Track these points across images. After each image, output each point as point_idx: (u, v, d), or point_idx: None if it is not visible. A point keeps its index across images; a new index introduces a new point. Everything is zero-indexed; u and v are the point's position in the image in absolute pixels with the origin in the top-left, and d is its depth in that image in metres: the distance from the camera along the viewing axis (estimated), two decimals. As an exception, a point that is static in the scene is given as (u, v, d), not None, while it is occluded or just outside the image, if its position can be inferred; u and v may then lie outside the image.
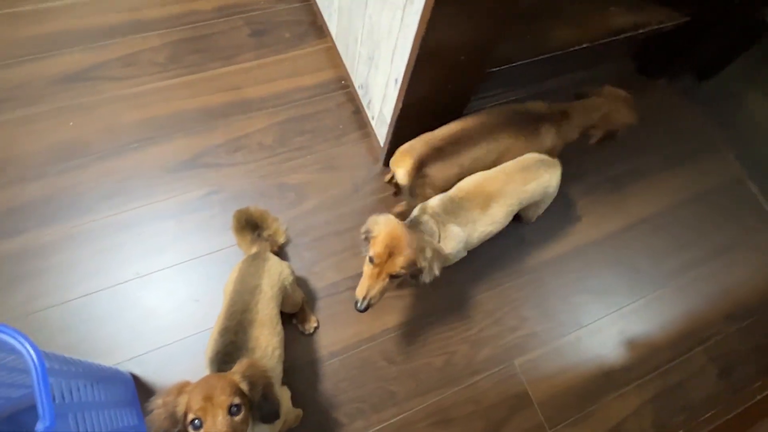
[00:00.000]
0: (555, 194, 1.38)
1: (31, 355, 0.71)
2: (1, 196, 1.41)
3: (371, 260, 1.05)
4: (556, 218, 1.64)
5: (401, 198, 1.55)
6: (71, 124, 1.54)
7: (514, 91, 1.82)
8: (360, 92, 1.62)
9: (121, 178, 1.50)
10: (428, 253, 1.06)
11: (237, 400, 0.77)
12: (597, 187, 1.72)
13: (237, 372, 0.84)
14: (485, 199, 1.23)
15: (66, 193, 1.45)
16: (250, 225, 1.31)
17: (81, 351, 1.28)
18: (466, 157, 1.30)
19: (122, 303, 1.34)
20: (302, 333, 1.35)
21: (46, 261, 1.36)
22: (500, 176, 1.27)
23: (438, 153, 1.28)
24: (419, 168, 1.27)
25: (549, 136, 1.40)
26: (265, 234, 1.33)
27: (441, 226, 1.17)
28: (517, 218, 1.45)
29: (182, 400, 0.78)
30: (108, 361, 1.24)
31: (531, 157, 1.33)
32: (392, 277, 1.05)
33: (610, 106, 1.45)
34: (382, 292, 1.06)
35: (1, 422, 1.15)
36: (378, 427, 1.29)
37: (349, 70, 1.67)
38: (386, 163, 1.61)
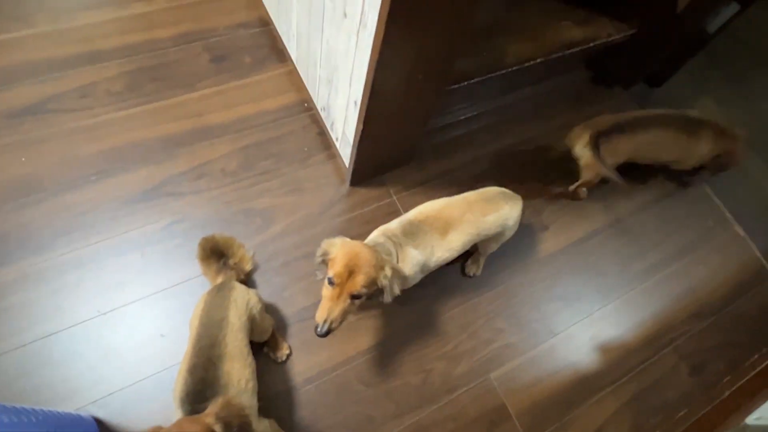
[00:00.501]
0: (514, 230, 1.37)
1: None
2: (-51, 238, 1.34)
3: (330, 282, 1.04)
4: (523, 229, 1.66)
5: (374, 222, 1.55)
6: (23, 159, 1.49)
7: (473, 106, 1.86)
8: (323, 114, 1.63)
9: (80, 212, 1.45)
10: (388, 272, 1.05)
11: None
12: (562, 196, 1.76)
13: (210, 414, 0.81)
14: (444, 225, 1.22)
15: (20, 231, 1.39)
16: (215, 253, 1.28)
17: (39, 397, 1.21)
18: (642, 138, 1.55)
19: (83, 343, 1.28)
20: (275, 361, 1.32)
21: (-1, 303, 1.29)
22: (461, 204, 1.27)
23: (618, 127, 1.53)
24: (597, 138, 1.51)
25: (706, 142, 1.62)
26: (231, 262, 1.31)
27: (399, 248, 1.16)
28: (473, 249, 1.46)
29: None
30: (69, 406, 1.18)
31: (493, 189, 1.35)
32: (353, 297, 1.04)
33: (732, 145, 1.65)
34: (344, 314, 1.04)
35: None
36: (357, 454, 1.26)
37: (311, 93, 1.67)
38: (353, 183, 1.61)
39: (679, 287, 1.68)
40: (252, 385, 1.01)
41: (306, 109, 1.75)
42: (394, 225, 1.22)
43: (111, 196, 1.49)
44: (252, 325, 1.12)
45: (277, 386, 1.31)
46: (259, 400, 1.05)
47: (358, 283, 1.01)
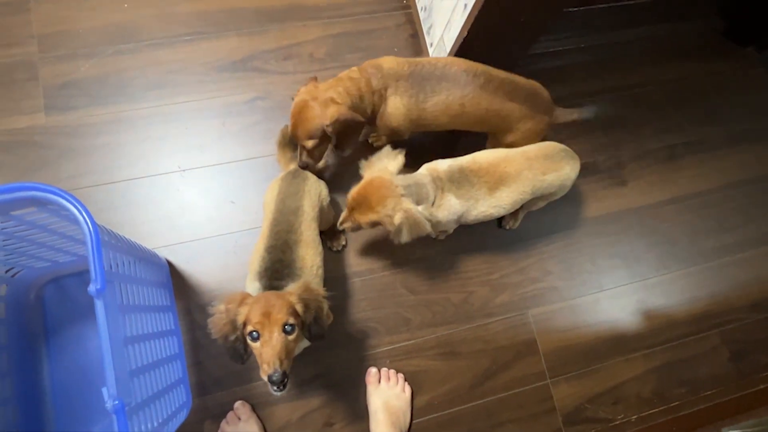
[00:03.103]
0: (566, 191, 1.28)
1: (87, 223, 0.75)
2: (56, 69, 1.42)
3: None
4: (600, 177, 1.59)
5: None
6: (126, 5, 1.51)
7: (581, 37, 1.69)
8: (422, 15, 1.54)
9: (170, 69, 1.49)
10: (397, 219, 1.04)
11: (292, 320, 0.83)
12: (650, 154, 1.65)
13: (294, 293, 0.88)
14: (497, 180, 1.15)
15: (117, 76, 1.45)
16: (293, 143, 1.30)
17: (122, 231, 1.34)
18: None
19: (162, 193, 1.38)
20: (330, 249, 1.39)
21: (93, 140, 1.39)
22: (520, 159, 1.17)
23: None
24: None
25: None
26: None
27: (439, 192, 1.13)
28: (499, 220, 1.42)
29: (243, 311, 0.84)
30: (146, 244, 1.30)
31: (555, 145, 1.23)
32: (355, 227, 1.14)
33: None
34: (355, 227, 1.14)
35: (46, 284, 1.25)
36: (388, 348, 1.36)
37: (414, -11, 1.57)
38: (436, 95, 1.55)
39: (745, 275, 1.60)
40: (321, 272, 1.08)
41: (404, 6, 1.65)
42: (443, 167, 1.16)
43: (200, 60, 1.51)
44: (320, 214, 1.17)
45: (327, 272, 1.38)
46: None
47: (361, 219, 1.10)
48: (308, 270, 1.01)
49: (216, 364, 1.27)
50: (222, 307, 0.87)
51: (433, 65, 1.16)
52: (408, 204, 1.05)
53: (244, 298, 0.87)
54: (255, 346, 0.84)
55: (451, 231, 1.30)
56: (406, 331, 1.38)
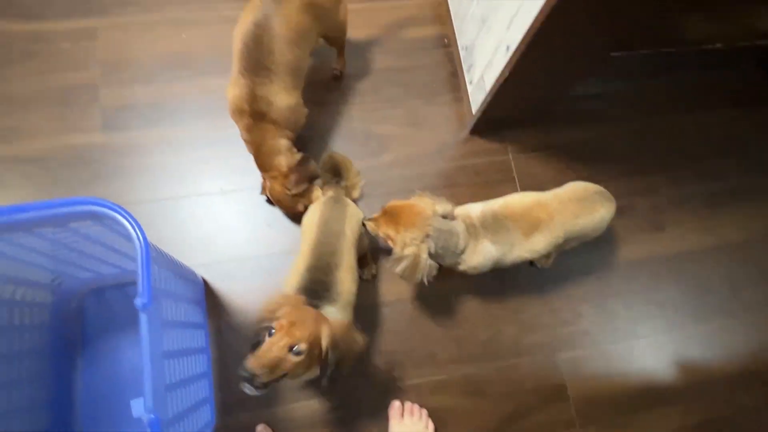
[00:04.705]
0: (601, 232, 1.25)
1: (139, 239, 0.78)
2: (116, 92, 1.52)
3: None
4: (637, 221, 1.56)
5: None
6: (184, 36, 1.62)
7: (622, 79, 1.70)
8: (462, 54, 1.58)
9: (220, 97, 1.55)
10: (406, 251, 1.05)
11: (304, 347, 0.81)
12: (690, 200, 1.61)
13: (329, 326, 0.86)
14: (531, 226, 1.14)
15: (170, 101, 1.54)
16: (333, 170, 1.35)
17: (162, 247, 1.39)
18: None
19: (203, 212, 1.43)
20: (360, 277, 1.39)
21: (143, 160, 1.47)
22: (553, 203, 1.17)
23: None
24: None
25: None
26: (343, 183, 1.37)
27: (473, 240, 1.13)
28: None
29: (280, 311, 0.85)
30: (184, 261, 1.35)
31: (589, 187, 1.22)
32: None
33: None
34: (373, 231, 1.14)
35: (87, 294, 1.30)
36: (413, 382, 1.34)
37: (456, 30, 1.62)
38: (473, 131, 1.58)
39: (792, 332, 1.52)
40: (354, 299, 1.08)
41: (444, 45, 1.70)
42: (476, 213, 1.16)
43: (248, 88, 1.58)
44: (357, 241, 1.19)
45: (357, 300, 1.39)
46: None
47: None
48: (345, 295, 1.02)
49: (241, 385, 1.27)
50: (280, 299, 0.88)
51: None
52: (424, 249, 1.05)
53: (297, 300, 0.88)
54: (266, 340, 0.83)
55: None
56: (432, 365, 1.36)
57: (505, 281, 1.45)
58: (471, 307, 1.42)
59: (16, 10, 1.58)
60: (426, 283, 1.08)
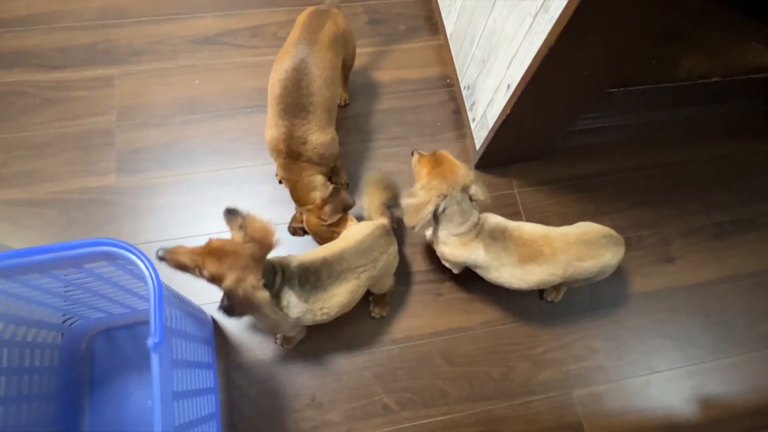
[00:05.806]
0: (609, 274, 1.24)
1: (153, 279, 0.80)
2: (131, 136, 1.58)
3: None
4: (645, 253, 1.55)
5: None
6: (197, 81, 1.69)
7: (622, 115, 1.74)
8: (465, 93, 1.63)
9: (231, 138, 1.62)
10: (427, 198, 1.11)
11: (204, 273, 0.94)
12: (698, 231, 1.61)
13: (236, 277, 0.93)
14: (530, 255, 1.15)
15: (182, 143, 1.59)
16: (389, 190, 1.27)
17: (172, 285, 1.40)
18: None
19: (213, 251, 1.45)
20: (370, 313, 1.39)
21: (156, 200, 1.50)
22: (558, 241, 1.16)
23: None
24: None
25: None
26: (398, 213, 1.26)
27: (473, 235, 1.17)
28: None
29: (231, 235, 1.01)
30: (193, 300, 1.35)
31: (597, 230, 1.20)
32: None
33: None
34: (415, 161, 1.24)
35: (97, 335, 1.30)
36: (425, 422, 1.31)
37: (458, 70, 1.68)
38: (477, 167, 1.61)
39: (814, 364, 1.48)
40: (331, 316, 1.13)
41: (447, 84, 1.76)
42: (492, 221, 1.20)
43: (257, 129, 1.63)
44: (380, 278, 1.20)
45: (367, 338, 1.38)
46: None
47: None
48: (335, 305, 1.10)
49: (250, 426, 1.25)
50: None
51: None
52: (434, 202, 1.11)
53: (243, 246, 0.97)
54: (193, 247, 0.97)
55: (456, 272, 1.33)
56: (443, 404, 1.33)
57: (516, 315, 1.44)
58: (482, 344, 1.40)
59: (39, 61, 1.66)
60: (414, 231, 1.15)
